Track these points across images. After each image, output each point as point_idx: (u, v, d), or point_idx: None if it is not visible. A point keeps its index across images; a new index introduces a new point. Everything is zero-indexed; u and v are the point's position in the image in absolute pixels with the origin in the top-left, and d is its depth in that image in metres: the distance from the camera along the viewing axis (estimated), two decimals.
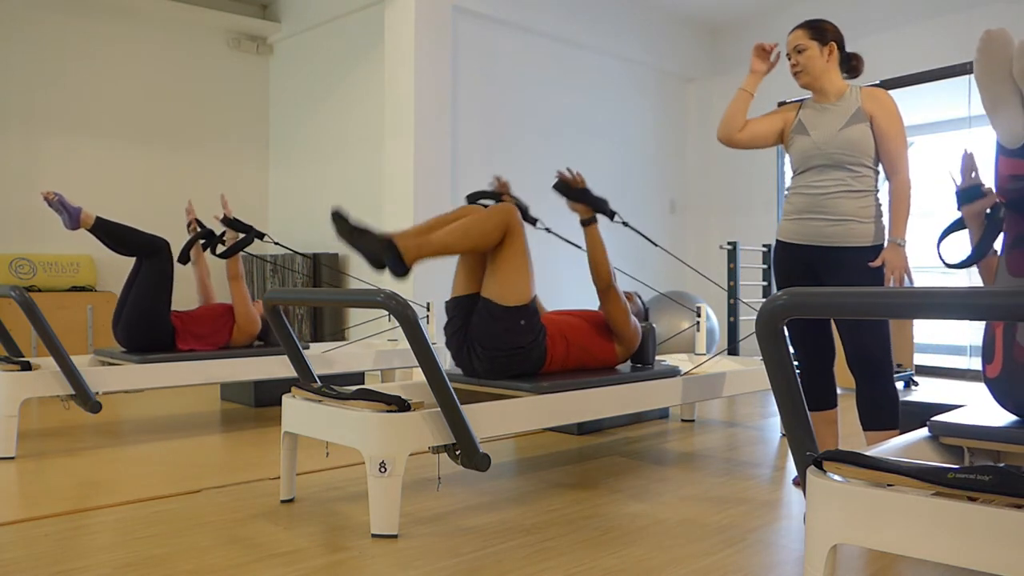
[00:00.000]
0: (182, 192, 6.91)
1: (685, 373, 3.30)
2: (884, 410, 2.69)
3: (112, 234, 3.77)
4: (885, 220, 2.74)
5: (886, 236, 2.71)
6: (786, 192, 2.89)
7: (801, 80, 2.78)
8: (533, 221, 3.36)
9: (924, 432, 1.99)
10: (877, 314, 1.34)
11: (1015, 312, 1.20)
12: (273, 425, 4.06)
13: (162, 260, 3.84)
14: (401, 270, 2.51)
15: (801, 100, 2.89)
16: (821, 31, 2.76)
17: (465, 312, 2.84)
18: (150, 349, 3.83)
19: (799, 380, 1.81)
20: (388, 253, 2.51)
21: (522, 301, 2.75)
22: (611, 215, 3.07)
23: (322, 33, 6.84)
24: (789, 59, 2.81)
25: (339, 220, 2.54)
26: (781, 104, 7.68)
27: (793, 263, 2.80)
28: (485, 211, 2.74)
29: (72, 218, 3.68)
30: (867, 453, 1.59)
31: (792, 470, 3.15)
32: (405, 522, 2.41)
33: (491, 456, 2.44)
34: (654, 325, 3.40)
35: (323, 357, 4.11)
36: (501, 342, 2.75)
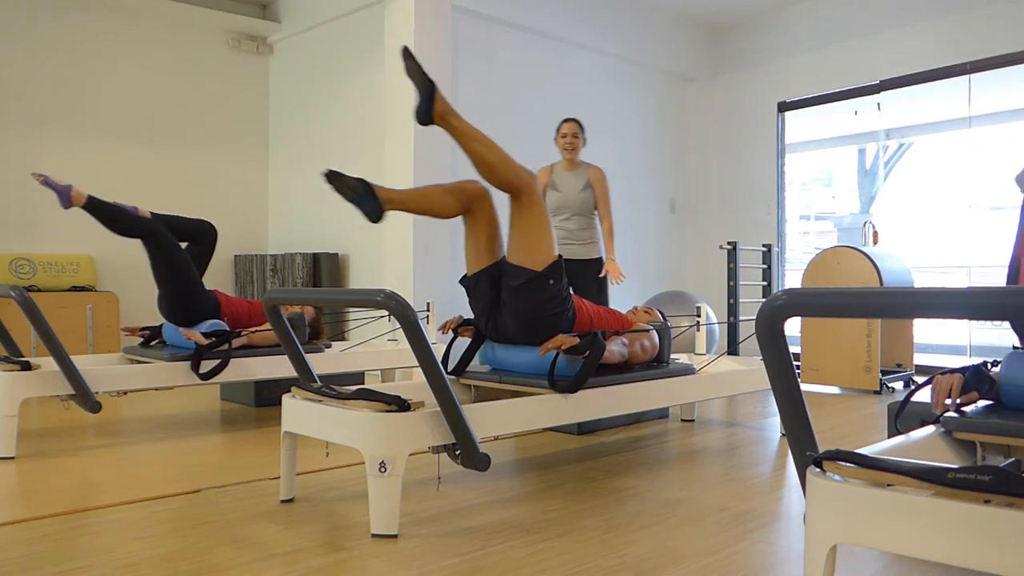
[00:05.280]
0: (183, 192, 6.92)
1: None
2: None
3: (104, 213, 3.83)
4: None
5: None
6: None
7: (574, 155, 4.51)
8: None
9: (938, 428, 2.00)
10: (877, 314, 1.34)
11: (1015, 312, 1.20)
12: (273, 425, 4.06)
13: (159, 237, 3.89)
14: (371, 204, 2.58)
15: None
16: (583, 127, 4.60)
17: (491, 282, 2.86)
18: (198, 319, 3.98)
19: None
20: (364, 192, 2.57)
21: (548, 261, 2.77)
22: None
23: (322, 33, 6.84)
24: (564, 138, 4.51)
25: (333, 177, 2.59)
26: (781, 104, 7.69)
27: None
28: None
29: (63, 196, 3.74)
30: (867, 453, 1.59)
31: (792, 470, 3.15)
32: (405, 522, 2.41)
33: (491, 456, 2.44)
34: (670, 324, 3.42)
35: (322, 357, 4.11)
36: (534, 303, 2.78)
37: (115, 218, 3.84)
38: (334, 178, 2.62)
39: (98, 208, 3.80)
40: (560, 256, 2.85)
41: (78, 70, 6.46)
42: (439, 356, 3.46)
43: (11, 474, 3.02)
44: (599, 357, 2.79)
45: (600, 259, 4.53)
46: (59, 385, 3.37)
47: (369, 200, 2.62)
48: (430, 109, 2.60)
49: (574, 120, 4.56)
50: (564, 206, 4.46)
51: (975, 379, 2.08)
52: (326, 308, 5.80)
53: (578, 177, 4.50)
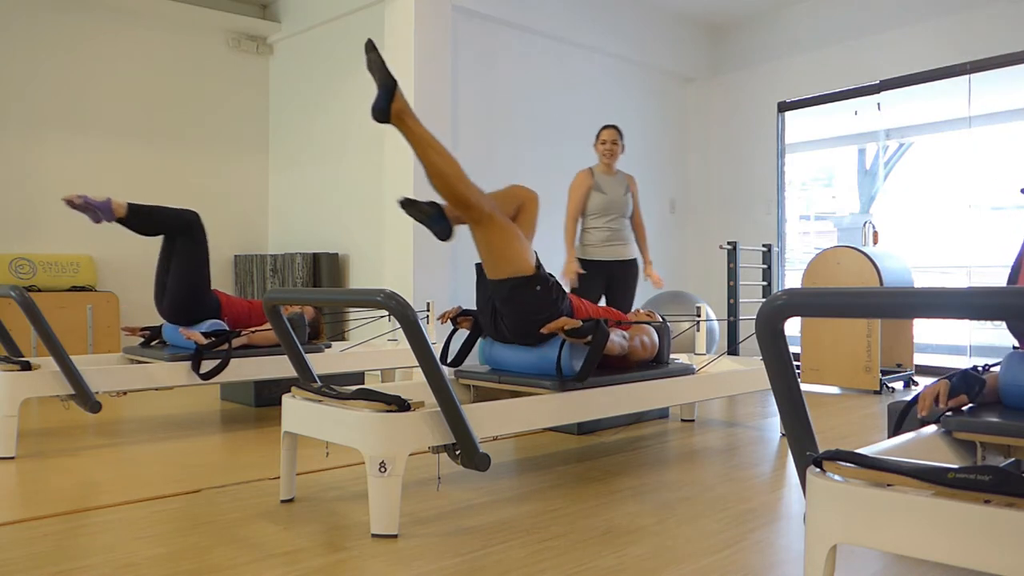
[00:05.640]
0: (182, 192, 6.91)
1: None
2: None
3: (145, 217, 3.80)
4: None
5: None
6: None
7: (612, 160, 4.68)
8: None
9: (938, 428, 2.00)
10: (877, 314, 1.34)
11: (1015, 312, 1.20)
12: (273, 425, 4.06)
13: (197, 234, 3.90)
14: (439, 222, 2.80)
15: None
16: (622, 134, 4.75)
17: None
18: (199, 319, 3.97)
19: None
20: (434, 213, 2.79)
21: (527, 270, 2.76)
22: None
23: (322, 33, 6.84)
24: (604, 144, 4.66)
25: (407, 204, 2.78)
26: (780, 104, 7.68)
27: (596, 274, 4.64)
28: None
29: (104, 211, 3.68)
30: (867, 453, 1.59)
31: (792, 470, 3.15)
32: (405, 522, 2.41)
33: (491, 456, 2.44)
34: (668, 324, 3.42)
35: (322, 357, 4.11)
36: (525, 313, 2.78)
37: (159, 219, 3.83)
38: (408, 204, 2.76)
39: (139, 213, 3.77)
40: (538, 267, 2.80)
41: (78, 70, 6.46)
42: (438, 352, 3.46)
43: (11, 474, 3.02)
44: (603, 344, 2.79)
45: (636, 260, 4.78)
46: (59, 385, 3.37)
47: (440, 220, 2.77)
48: (387, 107, 2.58)
49: (614, 127, 4.72)
50: (611, 208, 4.68)
51: (963, 383, 2.07)
52: (326, 308, 5.80)
53: (619, 182, 4.73)
